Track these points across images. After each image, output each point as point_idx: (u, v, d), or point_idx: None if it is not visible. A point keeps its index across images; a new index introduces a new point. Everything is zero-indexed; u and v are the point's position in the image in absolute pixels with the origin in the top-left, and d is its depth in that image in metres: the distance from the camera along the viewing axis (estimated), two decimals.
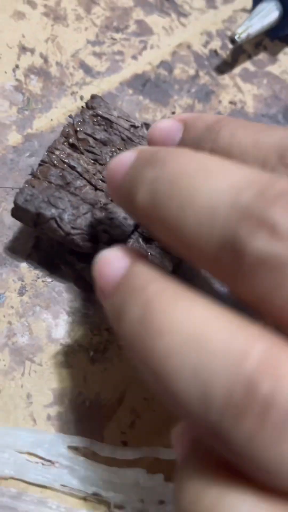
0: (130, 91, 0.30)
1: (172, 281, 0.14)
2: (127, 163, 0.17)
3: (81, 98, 0.29)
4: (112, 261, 0.16)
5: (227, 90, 0.32)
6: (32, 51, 0.30)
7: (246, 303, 0.13)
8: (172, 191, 0.14)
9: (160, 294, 0.14)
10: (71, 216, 0.22)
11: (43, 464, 0.20)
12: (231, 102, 0.32)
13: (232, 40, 0.30)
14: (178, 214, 0.14)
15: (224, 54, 0.33)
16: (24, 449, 0.20)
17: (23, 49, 0.30)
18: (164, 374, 0.13)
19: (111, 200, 0.22)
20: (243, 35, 0.30)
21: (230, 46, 0.33)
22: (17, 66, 0.29)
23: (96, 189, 0.23)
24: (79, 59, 0.31)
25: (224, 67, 0.33)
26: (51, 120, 0.28)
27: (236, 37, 0.30)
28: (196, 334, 0.12)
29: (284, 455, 0.11)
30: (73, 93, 0.29)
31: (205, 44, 0.34)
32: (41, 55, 0.30)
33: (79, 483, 0.20)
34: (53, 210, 0.22)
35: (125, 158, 0.17)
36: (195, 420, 0.12)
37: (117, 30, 0.32)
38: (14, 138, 0.27)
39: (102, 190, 0.23)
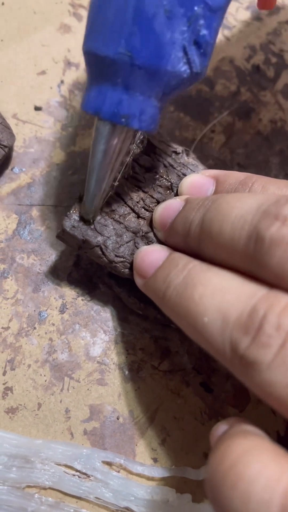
0: (172, 108, 0.31)
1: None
2: (177, 208, 0.22)
3: None
4: (154, 251, 0.21)
5: (268, 108, 0.32)
6: (77, 66, 0.30)
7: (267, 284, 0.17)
8: (216, 215, 0.19)
9: (197, 266, 0.19)
10: (115, 243, 0.23)
11: (79, 477, 0.22)
12: (271, 121, 0.32)
13: None
14: (220, 227, 0.18)
15: (267, 69, 0.33)
16: (62, 462, 0.22)
17: (68, 64, 0.30)
18: (197, 314, 0.17)
19: (152, 229, 0.23)
20: None
21: (273, 60, 0.33)
22: (62, 82, 0.30)
23: (138, 217, 0.23)
24: None
25: (266, 83, 0.33)
26: None
27: None
28: (218, 286, 0.17)
29: None
30: None
31: (248, 59, 0.33)
32: (86, 70, 0.30)
33: (111, 497, 0.22)
34: (99, 238, 0.23)
35: (175, 205, 0.22)
36: (217, 350, 0.17)
37: None
38: (58, 155, 0.28)
39: (144, 218, 0.23)
